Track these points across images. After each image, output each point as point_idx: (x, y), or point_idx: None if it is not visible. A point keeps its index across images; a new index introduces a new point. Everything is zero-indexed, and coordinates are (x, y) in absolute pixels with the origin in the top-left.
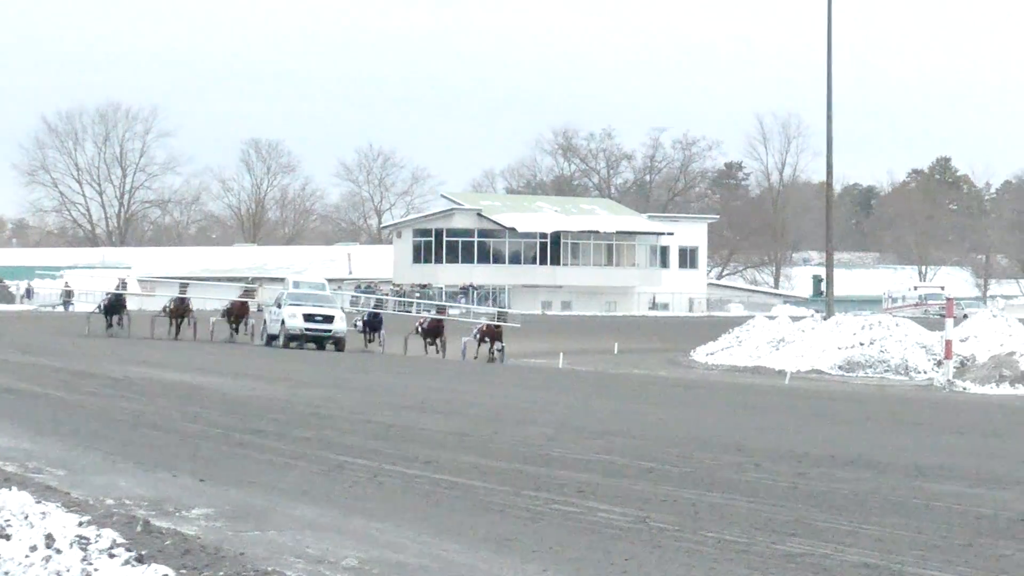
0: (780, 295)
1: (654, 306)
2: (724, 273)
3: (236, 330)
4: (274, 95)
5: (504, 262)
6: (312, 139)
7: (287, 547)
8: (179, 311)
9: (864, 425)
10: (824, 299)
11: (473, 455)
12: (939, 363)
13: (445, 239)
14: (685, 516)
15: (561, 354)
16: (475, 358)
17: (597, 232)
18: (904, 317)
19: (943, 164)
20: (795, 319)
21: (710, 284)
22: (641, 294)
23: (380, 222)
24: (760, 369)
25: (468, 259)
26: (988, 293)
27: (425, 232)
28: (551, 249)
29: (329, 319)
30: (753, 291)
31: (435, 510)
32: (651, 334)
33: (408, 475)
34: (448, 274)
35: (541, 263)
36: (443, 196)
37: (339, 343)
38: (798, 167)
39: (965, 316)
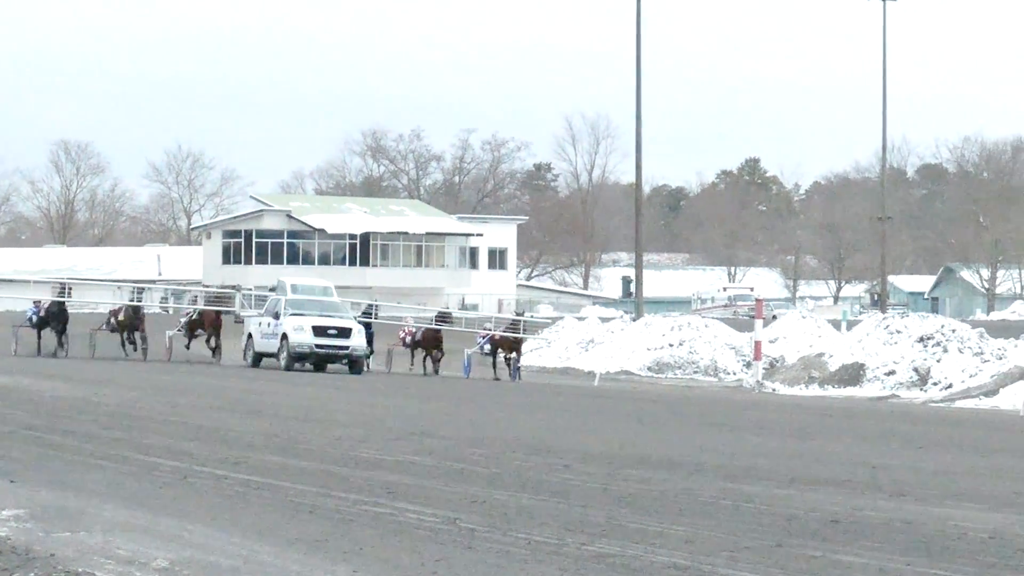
0: (590, 296)
1: (464, 307)
2: (533, 274)
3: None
4: (83, 95)
5: (314, 263)
6: (121, 140)
7: (98, 548)
8: (131, 323)
9: (674, 426)
10: (634, 300)
11: (283, 456)
12: (748, 364)
13: (254, 240)
14: (495, 517)
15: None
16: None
17: (406, 233)
18: (713, 318)
19: (752, 165)
20: (604, 320)
21: (519, 285)
22: (450, 295)
23: (190, 223)
24: (570, 370)
25: (278, 260)
26: (797, 294)
27: (235, 233)
28: (360, 250)
29: (345, 333)
30: (562, 292)
31: (246, 511)
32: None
33: (218, 476)
34: (258, 275)
35: (351, 264)
36: (252, 197)
37: (356, 364)
38: (607, 168)
39: (774, 317)
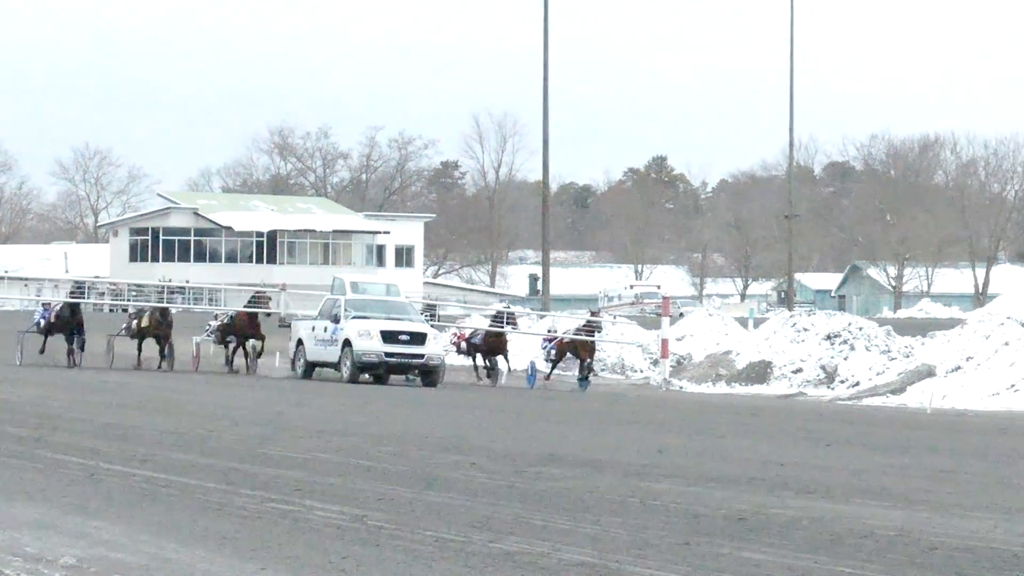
0: (496, 294)
1: None
2: (440, 272)
3: (233, 356)
4: None
5: (221, 261)
6: (29, 138)
7: (4, 545)
8: (157, 328)
9: (581, 424)
10: (540, 298)
11: (191, 454)
12: (655, 362)
13: (162, 238)
14: (403, 514)
15: (277, 354)
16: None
17: (313, 231)
18: (620, 316)
19: (659, 163)
20: None
21: (426, 283)
22: None
23: (97, 221)
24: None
25: (185, 258)
26: (704, 292)
27: (142, 231)
28: (267, 248)
29: (419, 339)
30: (469, 290)
31: (153, 508)
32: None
33: (126, 473)
34: (165, 273)
35: (257, 262)
36: (160, 195)
37: (432, 374)
38: (514, 166)
39: (681, 315)
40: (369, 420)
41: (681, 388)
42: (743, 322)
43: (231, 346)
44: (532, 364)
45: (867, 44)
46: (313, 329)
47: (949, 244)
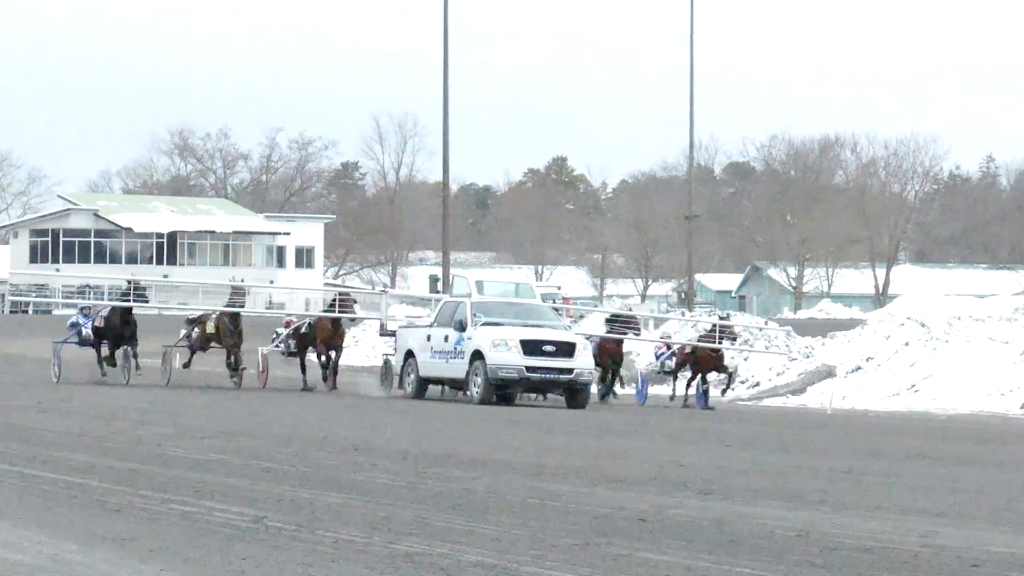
0: (397, 295)
1: (271, 306)
2: (341, 273)
3: (326, 369)
4: None
5: (121, 262)
6: None
7: None
8: (229, 338)
9: (479, 425)
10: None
11: (90, 455)
12: None
13: (62, 239)
14: (303, 516)
15: (176, 354)
16: (673, 399)
17: (214, 232)
18: None
19: (559, 164)
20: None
21: (327, 284)
22: (258, 294)
23: None
24: (375, 369)
25: (85, 259)
26: (605, 292)
27: (42, 232)
28: (167, 249)
29: (566, 350)
30: (370, 292)
31: (53, 510)
32: (268, 331)
33: (25, 475)
34: (66, 274)
35: (158, 263)
36: (60, 196)
37: (578, 394)
38: (415, 167)
39: (582, 316)
40: (269, 422)
41: None
42: (644, 323)
43: (319, 357)
44: (643, 375)
45: (768, 44)
46: (429, 339)
47: (849, 244)
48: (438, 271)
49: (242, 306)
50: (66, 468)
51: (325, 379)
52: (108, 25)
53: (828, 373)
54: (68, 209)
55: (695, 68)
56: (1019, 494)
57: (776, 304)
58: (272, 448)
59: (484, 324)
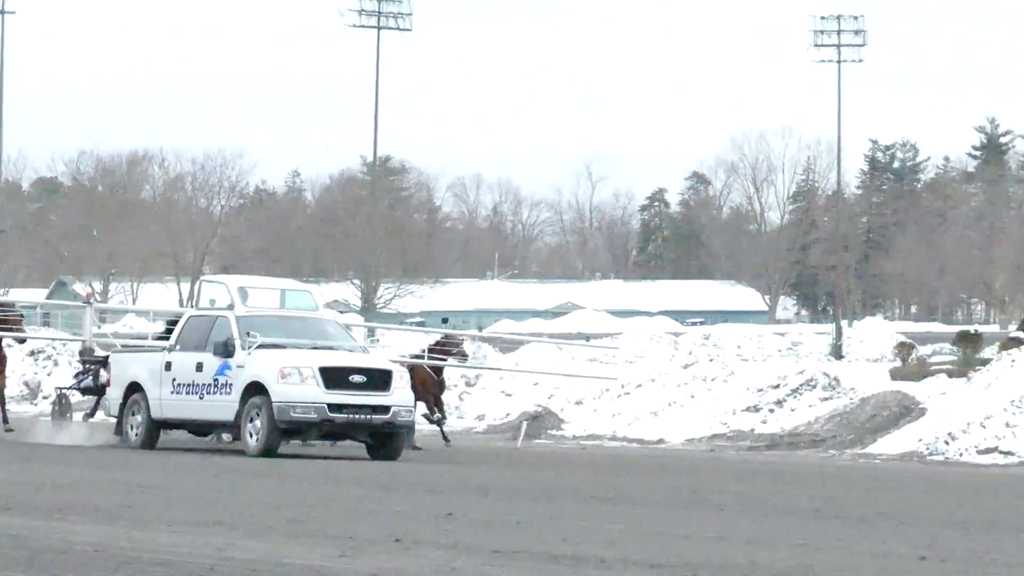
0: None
1: None
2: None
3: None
4: None
5: None
6: None
7: None
8: None
9: None
10: None
11: None
12: None
13: None
14: None
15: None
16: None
17: None
18: None
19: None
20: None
21: None
22: None
23: None
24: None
25: None
26: None
27: None
28: None
29: (379, 380)
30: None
31: None
32: None
33: None
34: None
35: None
36: None
37: (393, 439)
38: None
39: None
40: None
41: None
42: None
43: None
44: None
45: (79, 56)
46: (168, 367)
47: (155, 258)
48: None
49: None
50: None
51: None
52: None
53: None
54: None
55: (3, 82)
56: (317, 503)
57: (79, 319)
58: None
59: (261, 347)
